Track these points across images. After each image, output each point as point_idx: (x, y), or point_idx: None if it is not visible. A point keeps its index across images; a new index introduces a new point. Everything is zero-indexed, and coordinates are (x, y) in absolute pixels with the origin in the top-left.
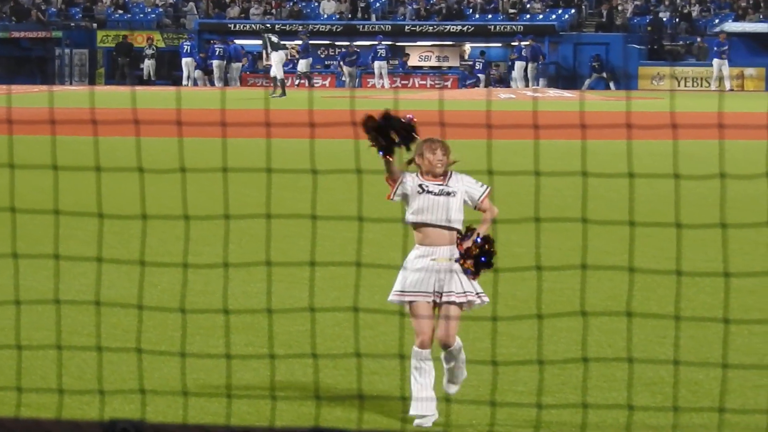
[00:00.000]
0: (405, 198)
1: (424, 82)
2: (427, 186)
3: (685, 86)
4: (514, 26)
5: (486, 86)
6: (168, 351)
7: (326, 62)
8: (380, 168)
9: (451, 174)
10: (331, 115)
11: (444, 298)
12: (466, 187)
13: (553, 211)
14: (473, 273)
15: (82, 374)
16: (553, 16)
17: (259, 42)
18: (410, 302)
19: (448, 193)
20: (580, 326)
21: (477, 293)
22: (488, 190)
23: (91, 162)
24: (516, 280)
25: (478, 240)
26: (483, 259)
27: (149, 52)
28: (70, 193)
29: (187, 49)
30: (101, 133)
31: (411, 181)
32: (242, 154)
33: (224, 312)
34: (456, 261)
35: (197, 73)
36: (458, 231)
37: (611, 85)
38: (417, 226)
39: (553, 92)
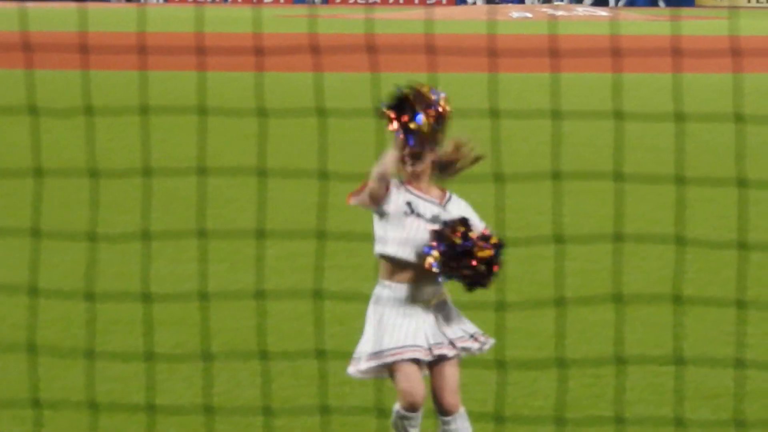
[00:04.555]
0: (382, 216)
1: None
2: (416, 206)
3: (758, 1)
4: None
5: (491, 1)
6: (72, 352)
7: None
8: (352, 107)
9: (450, 195)
10: (286, 39)
11: (436, 351)
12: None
13: (579, 165)
14: (445, 273)
15: None
16: None
17: None
18: (393, 362)
19: (446, 224)
20: (616, 319)
21: (473, 334)
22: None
23: None
24: (532, 258)
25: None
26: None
27: None
28: None
29: None
30: None
31: (396, 195)
32: (168, 90)
33: (145, 300)
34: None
35: None
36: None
37: (659, 0)
38: (393, 260)
39: (582, 10)
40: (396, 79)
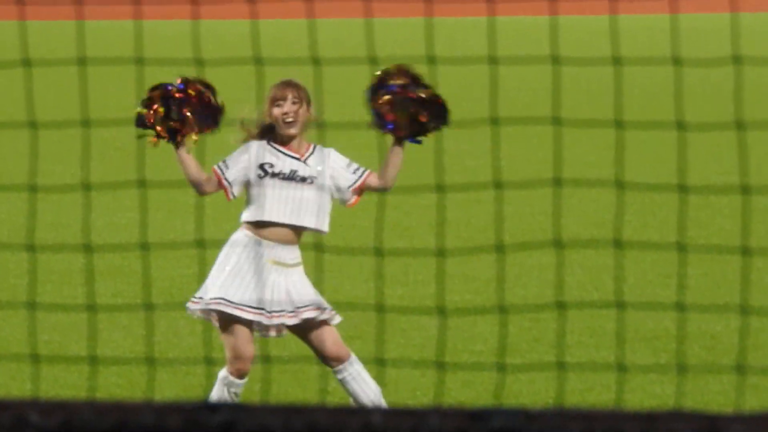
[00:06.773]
0: (248, 186)
1: None
2: (272, 166)
3: None
4: None
5: None
6: (11, 303)
7: None
8: (288, 56)
9: (314, 148)
10: None
11: (301, 314)
12: (331, 170)
13: (516, 109)
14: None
15: None
16: None
17: None
18: (230, 317)
19: (303, 179)
20: (555, 263)
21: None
22: (366, 174)
23: None
24: (469, 203)
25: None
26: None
27: None
28: None
29: None
30: None
31: (249, 157)
32: (104, 39)
33: (84, 250)
34: (383, 127)
35: None
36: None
37: None
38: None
39: None
40: (331, 25)
